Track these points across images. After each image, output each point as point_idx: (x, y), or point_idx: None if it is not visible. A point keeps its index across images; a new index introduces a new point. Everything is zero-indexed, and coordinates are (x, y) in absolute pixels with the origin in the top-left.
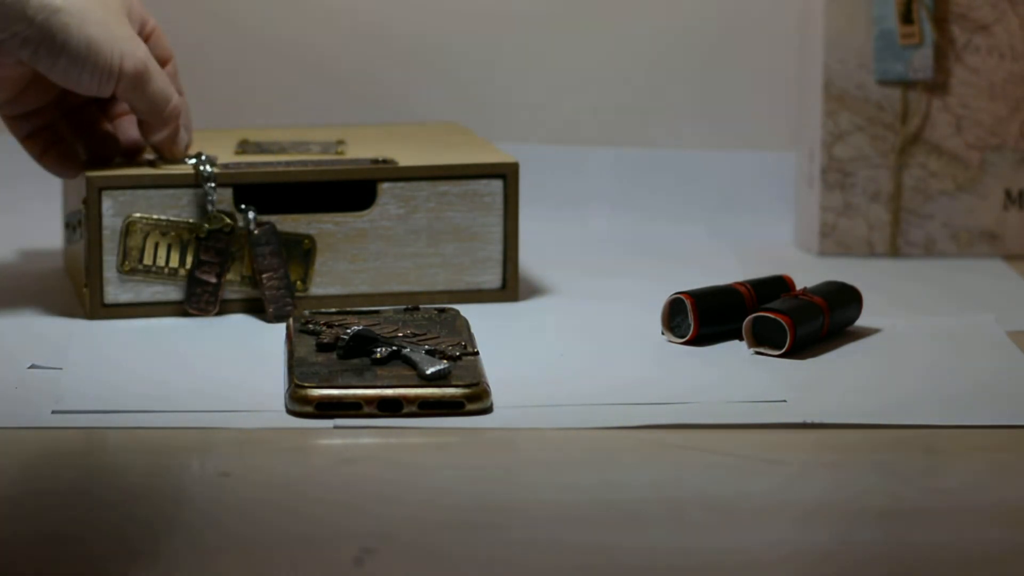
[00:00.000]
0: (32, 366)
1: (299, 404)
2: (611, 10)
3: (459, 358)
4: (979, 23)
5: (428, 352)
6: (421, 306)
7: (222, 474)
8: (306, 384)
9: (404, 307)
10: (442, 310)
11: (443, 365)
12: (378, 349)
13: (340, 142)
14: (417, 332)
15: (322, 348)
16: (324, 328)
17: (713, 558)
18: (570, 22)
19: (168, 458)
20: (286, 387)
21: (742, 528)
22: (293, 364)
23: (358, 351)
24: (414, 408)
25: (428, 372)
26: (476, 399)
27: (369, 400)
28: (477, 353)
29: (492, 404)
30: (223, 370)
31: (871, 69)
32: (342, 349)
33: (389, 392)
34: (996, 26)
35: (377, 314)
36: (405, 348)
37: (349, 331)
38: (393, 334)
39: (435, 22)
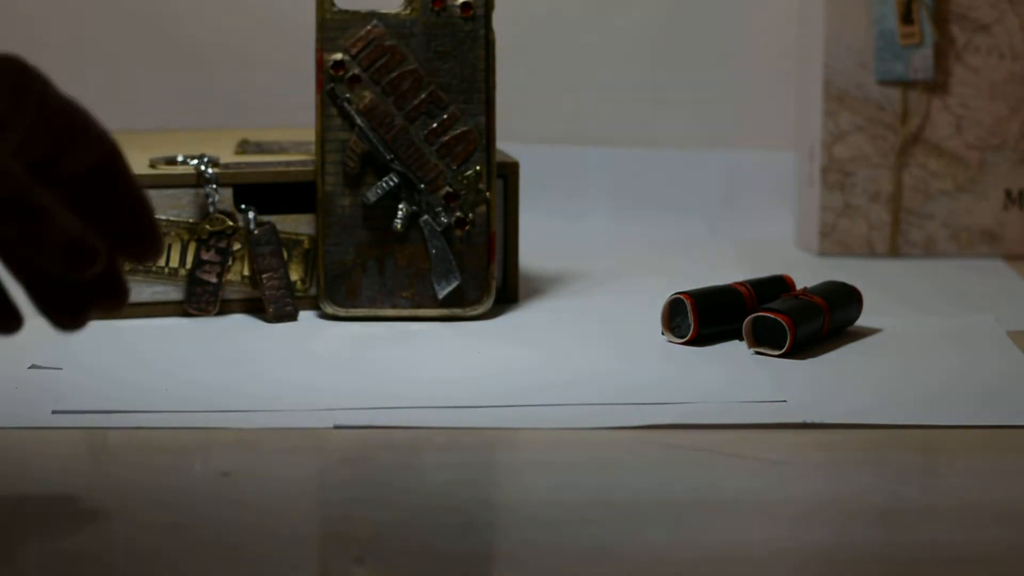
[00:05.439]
0: (32, 366)
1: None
2: (611, 10)
3: (471, 223)
4: (979, 23)
5: (441, 209)
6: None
7: (222, 474)
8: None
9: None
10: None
11: (455, 283)
12: (399, 209)
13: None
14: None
15: (348, 180)
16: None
17: (713, 558)
18: (570, 22)
19: (168, 458)
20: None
21: (741, 528)
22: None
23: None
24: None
25: (441, 296)
26: (480, 302)
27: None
28: (487, 191)
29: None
30: (223, 370)
31: (871, 69)
32: (369, 201)
33: (407, 313)
34: (996, 26)
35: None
36: (422, 215)
37: (380, 187)
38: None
39: None
